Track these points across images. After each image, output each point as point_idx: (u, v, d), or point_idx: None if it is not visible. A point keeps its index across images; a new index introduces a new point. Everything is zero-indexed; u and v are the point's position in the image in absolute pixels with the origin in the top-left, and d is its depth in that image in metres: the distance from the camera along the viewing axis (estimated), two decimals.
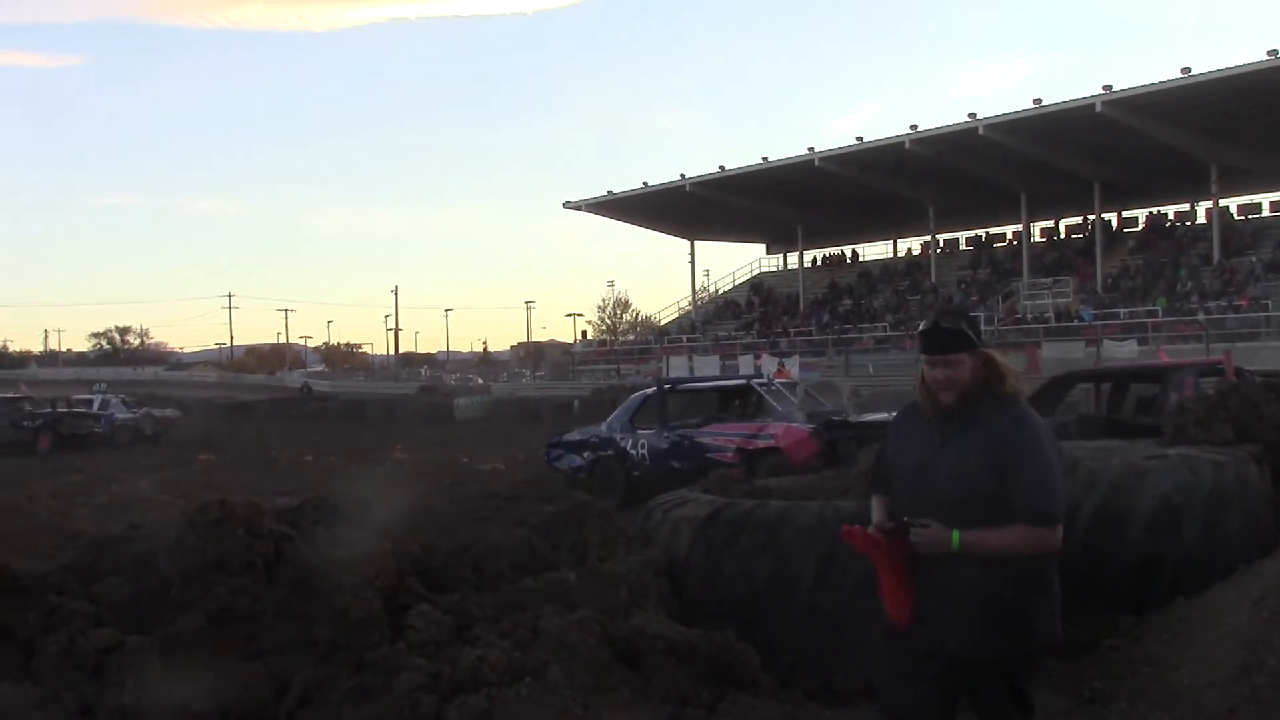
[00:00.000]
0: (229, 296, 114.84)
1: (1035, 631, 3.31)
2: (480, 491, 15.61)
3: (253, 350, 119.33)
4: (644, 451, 14.52)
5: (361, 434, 30.93)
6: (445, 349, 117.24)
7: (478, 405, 41.56)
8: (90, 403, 30.00)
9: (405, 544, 5.48)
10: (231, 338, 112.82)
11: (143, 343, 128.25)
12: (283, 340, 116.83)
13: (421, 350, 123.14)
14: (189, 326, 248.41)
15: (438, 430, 32.82)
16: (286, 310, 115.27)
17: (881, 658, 3.52)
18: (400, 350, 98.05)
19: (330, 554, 4.98)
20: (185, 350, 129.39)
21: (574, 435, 16.15)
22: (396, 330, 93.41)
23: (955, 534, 3.15)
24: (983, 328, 38.90)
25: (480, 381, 65.12)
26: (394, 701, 4.15)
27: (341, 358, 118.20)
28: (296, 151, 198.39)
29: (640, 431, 14.87)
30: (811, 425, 13.67)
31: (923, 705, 3.32)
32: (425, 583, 5.22)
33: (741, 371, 34.90)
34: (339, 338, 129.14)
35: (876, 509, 3.59)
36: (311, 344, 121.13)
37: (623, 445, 14.79)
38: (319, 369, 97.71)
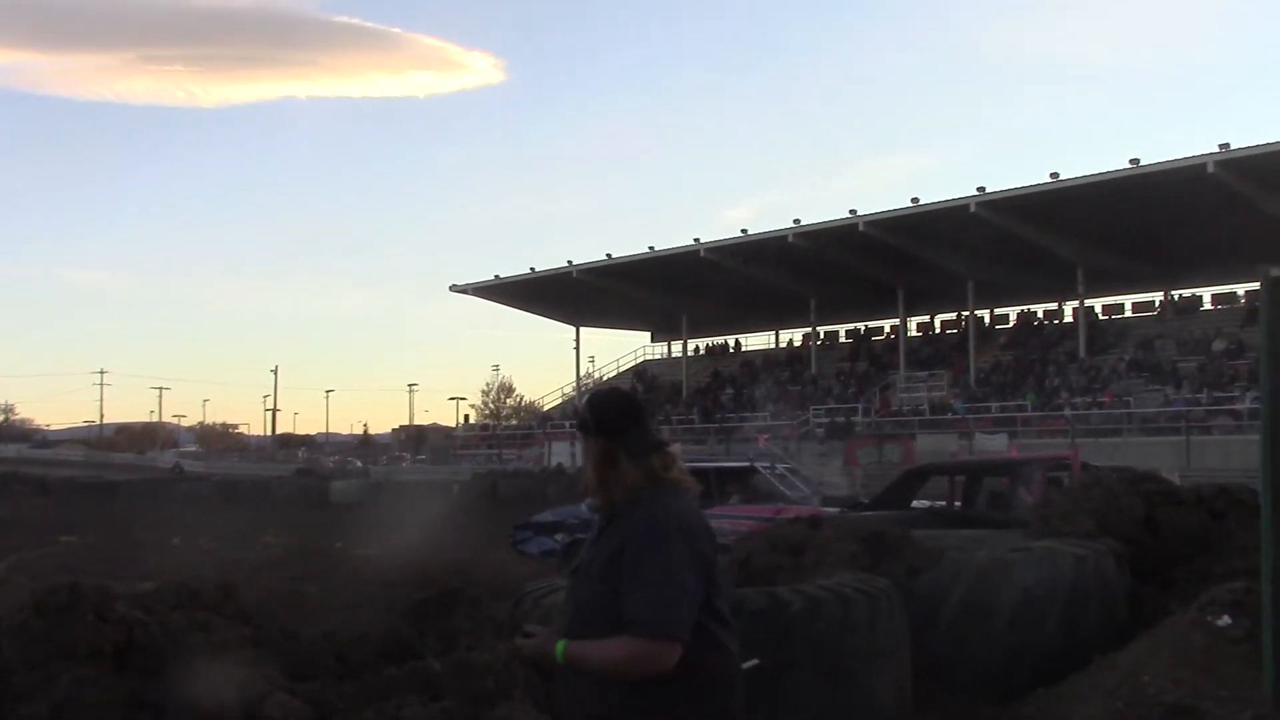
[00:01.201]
0: (101, 373, 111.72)
1: None
2: (352, 577, 15.23)
3: (124, 429, 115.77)
4: None
5: (233, 517, 30.07)
6: (325, 431, 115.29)
7: (355, 489, 40.80)
8: None
9: (266, 630, 5.33)
10: (102, 415, 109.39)
11: (7, 419, 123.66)
12: (155, 419, 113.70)
13: (300, 431, 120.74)
14: (58, 403, 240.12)
15: (313, 514, 32.09)
16: (160, 388, 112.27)
17: None
18: (278, 431, 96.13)
19: (185, 641, 4.81)
20: (53, 428, 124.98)
21: (546, 516, 15.32)
22: (275, 411, 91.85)
23: (561, 644, 2.92)
24: (859, 419, 39.52)
25: (359, 464, 64.02)
26: None
27: (216, 438, 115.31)
28: (178, 227, 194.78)
29: None
30: (836, 509, 13.10)
31: None
32: (286, 670, 5.07)
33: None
34: (215, 417, 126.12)
35: None
36: (186, 423, 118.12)
37: None
38: (192, 449, 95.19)
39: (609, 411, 3.09)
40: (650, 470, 3.01)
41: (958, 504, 12.61)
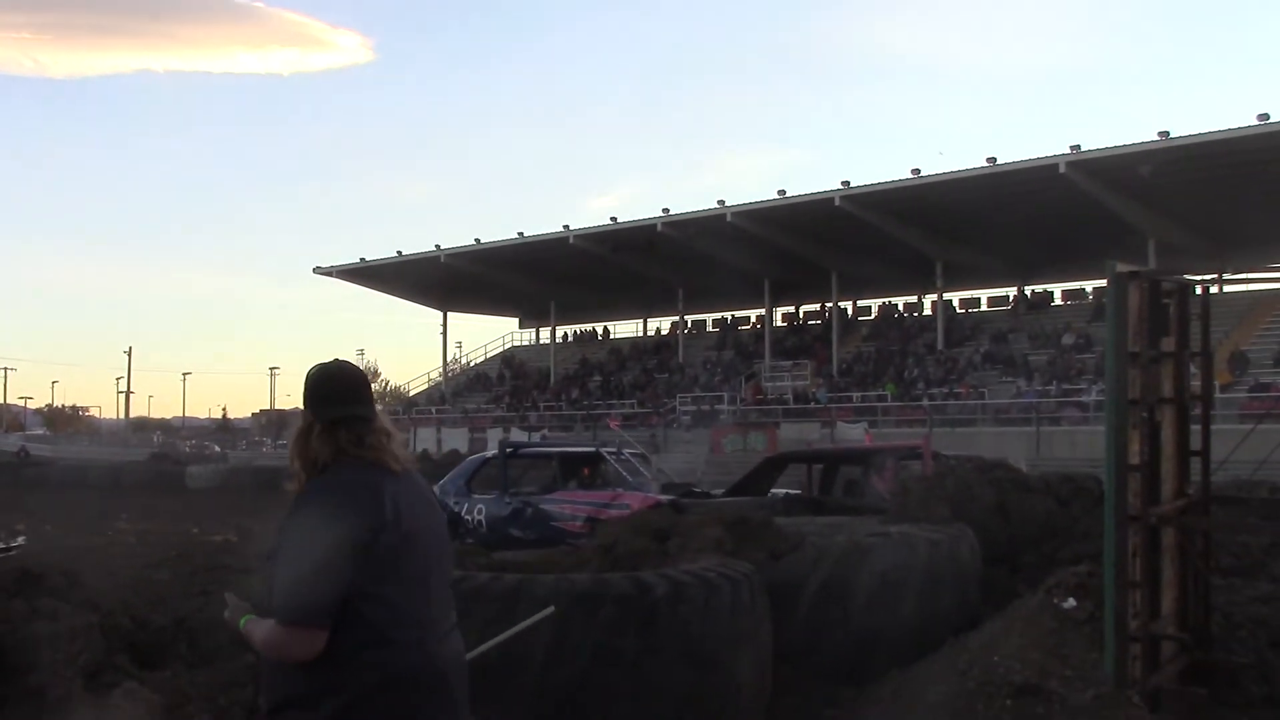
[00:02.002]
0: None
1: None
2: (208, 564, 14.80)
3: None
4: (480, 518, 13.71)
5: (83, 502, 29.01)
6: (182, 415, 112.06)
7: (212, 474, 39.78)
8: None
9: (115, 618, 5.15)
10: None
11: None
12: (0, 400, 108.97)
13: (156, 415, 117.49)
14: None
15: (168, 499, 31.15)
16: (5, 369, 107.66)
17: None
18: (132, 415, 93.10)
19: (28, 629, 4.62)
20: None
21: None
22: (128, 393, 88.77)
23: (245, 618, 2.86)
24: (724, 407, 40.04)
25: (217, 449, 62.38)
26: None
27: (66, 420, 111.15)
28: (24, 200, 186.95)
29: (476, 497, 14.13)
30: (668, 496, 13.07)
31: None
32: (136, 659, 4.92)
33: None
34: (64, 399, 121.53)
35: None
36: (33, 405, 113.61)
37: (456, 510, 13.84)
38: (40, 432, 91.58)
39: (312, 384, 2.99)
40: (338, 444, 2.89)
41: (814, 493, 12.88)
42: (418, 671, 2.77)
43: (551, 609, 4.05)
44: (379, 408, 3.06)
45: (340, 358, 3.12)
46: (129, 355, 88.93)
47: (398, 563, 2.77)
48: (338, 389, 2.98)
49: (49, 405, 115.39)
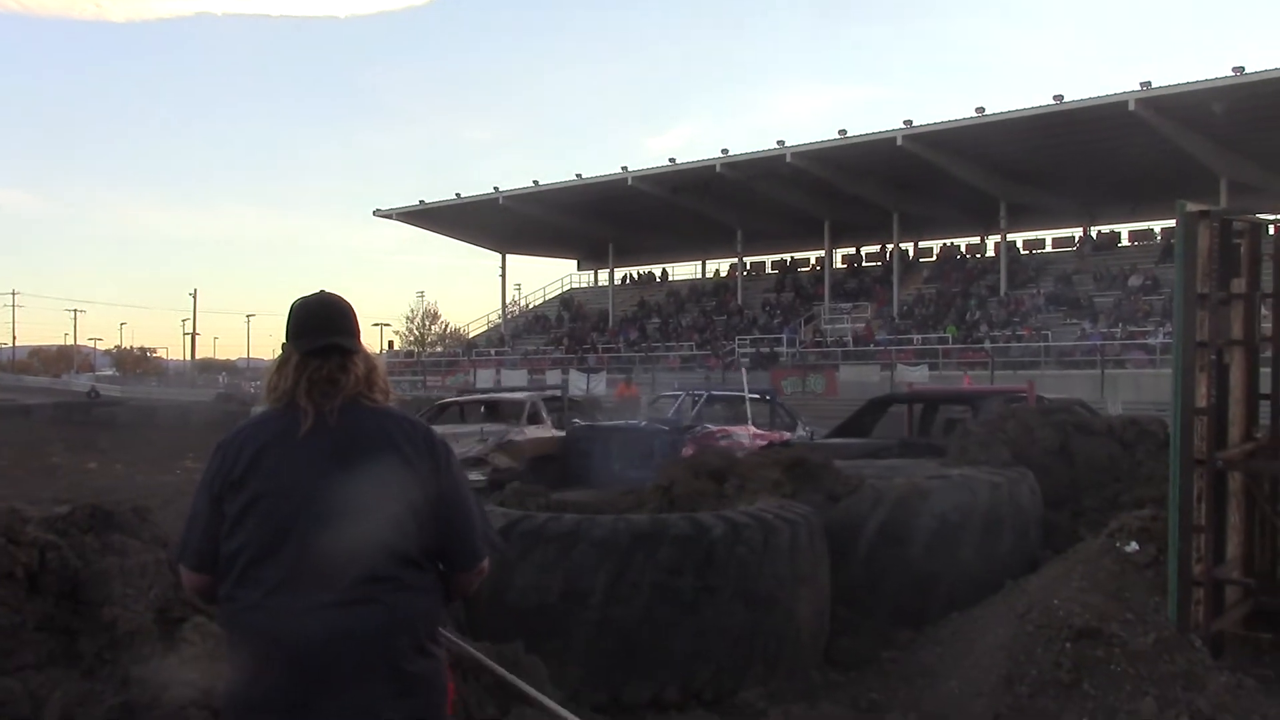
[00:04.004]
0: (13, 294, 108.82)
1: None
2: None
3: (37, 351, 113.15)
4: None
5: (152, 442, 29.56)
6: (246, 356, 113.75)
7: None
8: None
9: None
10: (14, 337, 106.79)
11: None
12: (70, 342, 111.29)
13: (221, 357, 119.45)
14: None
15: None
16: (75, 311, 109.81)
17: None
18: (198, 356, 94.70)
19: (100, 564, 4.72)
20: None
21: None
22: (194, 335, 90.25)
23: None
24: (783, 349, 39.72)
25: None
26: (162, 718, 3.96)
27: (134, 362, 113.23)
28: (91, 145, 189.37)
29: None
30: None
31: None
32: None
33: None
34: (132, 341, 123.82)
35: None
36: (102, 347, 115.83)
37: None
38: (109, 373, 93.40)
39: (289, 317, 2.90)
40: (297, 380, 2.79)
41: (911, 435, 12.83)
42: (254, 634, 2.63)
43: None
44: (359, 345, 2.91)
45: (325, 289, 2.99)
46: (194, 297, 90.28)
47: (245, 521, 2.69)
48: (293, 328, 2.88)
49: (117, 347, 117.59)
